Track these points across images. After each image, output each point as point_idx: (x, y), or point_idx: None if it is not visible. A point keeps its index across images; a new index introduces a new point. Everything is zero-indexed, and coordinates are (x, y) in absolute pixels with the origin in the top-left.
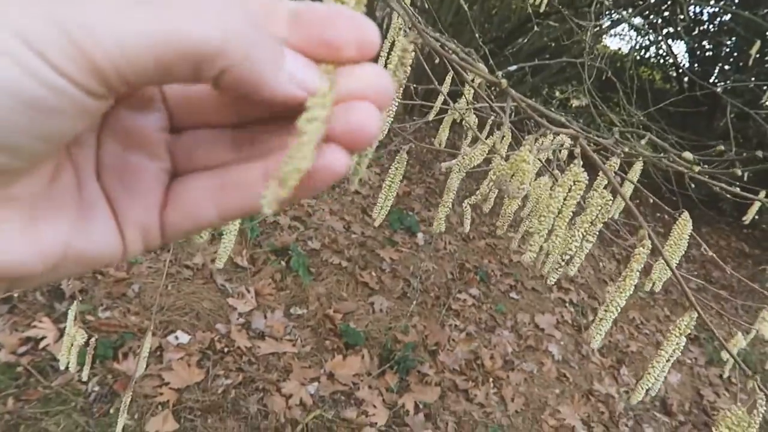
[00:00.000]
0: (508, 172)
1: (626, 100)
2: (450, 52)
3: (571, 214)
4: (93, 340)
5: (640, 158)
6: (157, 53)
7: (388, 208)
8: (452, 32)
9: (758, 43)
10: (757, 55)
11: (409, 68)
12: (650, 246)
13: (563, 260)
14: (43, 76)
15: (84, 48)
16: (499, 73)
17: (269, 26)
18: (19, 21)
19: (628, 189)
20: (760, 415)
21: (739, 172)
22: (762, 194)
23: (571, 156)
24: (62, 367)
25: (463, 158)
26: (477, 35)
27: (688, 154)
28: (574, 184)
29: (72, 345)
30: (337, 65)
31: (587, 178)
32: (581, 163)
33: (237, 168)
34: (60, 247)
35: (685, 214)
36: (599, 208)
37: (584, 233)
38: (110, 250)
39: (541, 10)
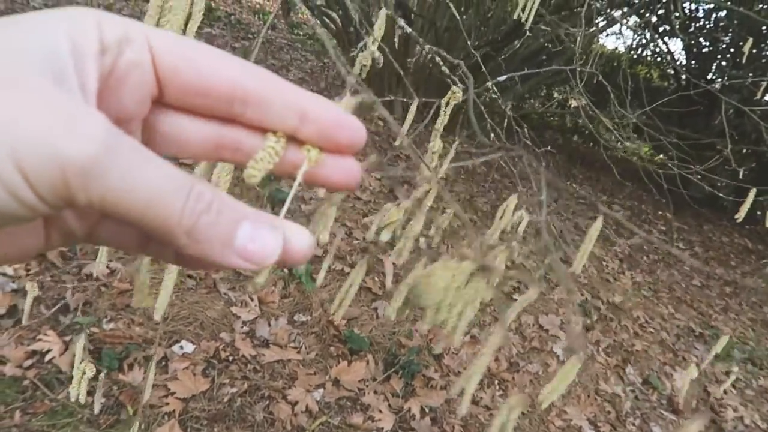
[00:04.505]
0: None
1: (618, 102)
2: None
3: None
4: (102, 375)
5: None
6: (131, 213)
7: (347, 306)
8: (448, 37)
9: (750, 41)
10: (754, 51)
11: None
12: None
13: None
14: (22, 197)
15: (71, 191)
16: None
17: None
18: (16, 143)
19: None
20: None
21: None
22: (752, 193)
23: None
24: (72, 400)
25: (383, 215)
26: (468, 43)
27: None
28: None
29: (82, 378)
30: (323, 151)
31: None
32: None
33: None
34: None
35: (599, 219)
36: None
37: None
38: (33, 252)
39: (527, 26)
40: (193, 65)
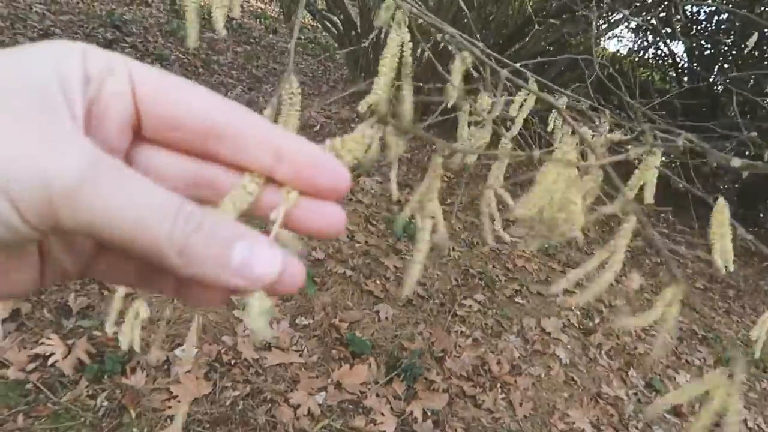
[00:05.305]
0: (555, 214)
1: (621, 101)
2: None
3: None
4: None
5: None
6: (120, 235)
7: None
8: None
9: (756, 35)
10: (756, 53)
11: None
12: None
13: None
14: (8, 221)
15: (58, 214)
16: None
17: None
18: (3, 170)
19: (648, 179)
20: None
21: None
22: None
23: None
24: (124, 347)
25: (469, 140)
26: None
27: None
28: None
29: (136, 318)
30: (303, 195)
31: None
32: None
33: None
34: None
35: (721, 200)
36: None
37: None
38: (27, 289)
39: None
40: (170, 97)
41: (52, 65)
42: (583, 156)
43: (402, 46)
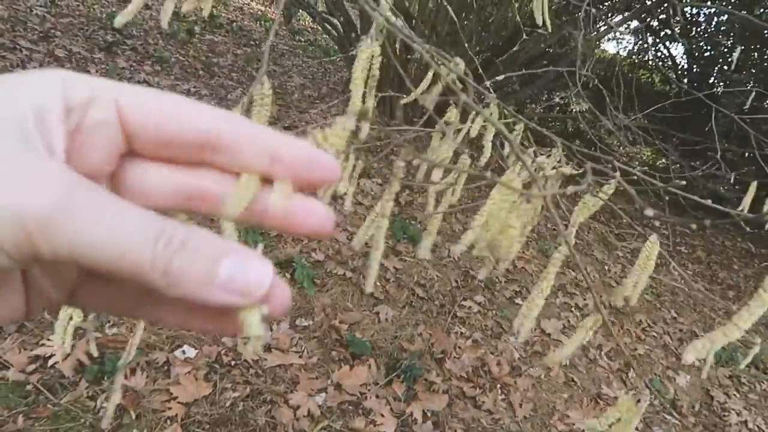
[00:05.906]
0: (496, 236)
1: (615, 107)
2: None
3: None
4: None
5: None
6: (101, 262)
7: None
8: (450, 42)
9: (739, 50)
10: (755, 55)
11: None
12: (566, 251)
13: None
14: None
15: (37, 244)
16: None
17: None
18: None
19: (596, 203)
20: (645, 404)
21: (683, 183)
22: (753, 186)
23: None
24: (56, 345)
25: (431, 154)
26: (466, 46)
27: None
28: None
29: (68, 323)
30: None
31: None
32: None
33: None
34: None
35: (653, 237)
36: (531, 211)
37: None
38: (13, 318)
39: (540, 24)
40: (162, 120)
41: (30, 98)
42: (531, 185)
43: (372, 58)
